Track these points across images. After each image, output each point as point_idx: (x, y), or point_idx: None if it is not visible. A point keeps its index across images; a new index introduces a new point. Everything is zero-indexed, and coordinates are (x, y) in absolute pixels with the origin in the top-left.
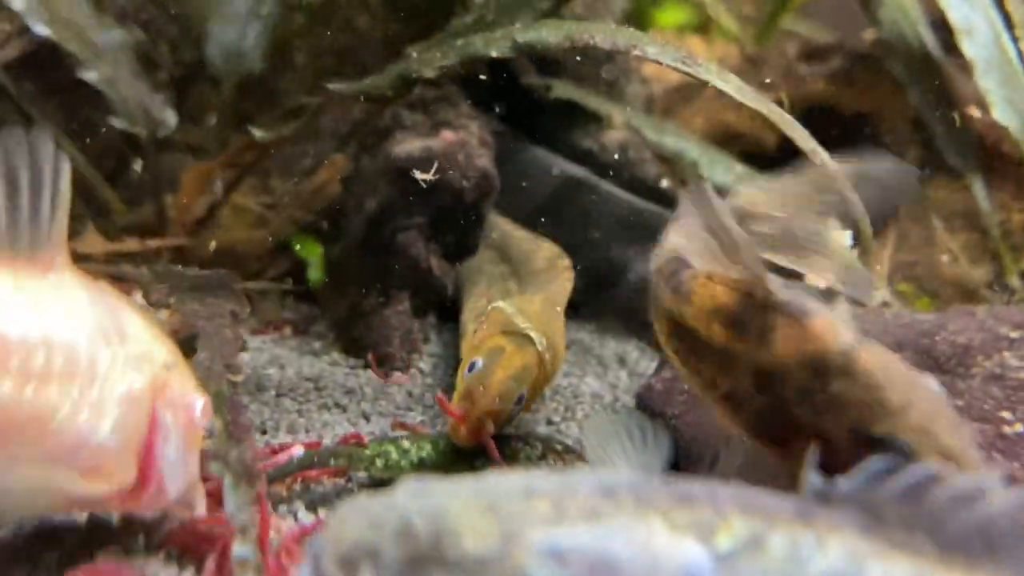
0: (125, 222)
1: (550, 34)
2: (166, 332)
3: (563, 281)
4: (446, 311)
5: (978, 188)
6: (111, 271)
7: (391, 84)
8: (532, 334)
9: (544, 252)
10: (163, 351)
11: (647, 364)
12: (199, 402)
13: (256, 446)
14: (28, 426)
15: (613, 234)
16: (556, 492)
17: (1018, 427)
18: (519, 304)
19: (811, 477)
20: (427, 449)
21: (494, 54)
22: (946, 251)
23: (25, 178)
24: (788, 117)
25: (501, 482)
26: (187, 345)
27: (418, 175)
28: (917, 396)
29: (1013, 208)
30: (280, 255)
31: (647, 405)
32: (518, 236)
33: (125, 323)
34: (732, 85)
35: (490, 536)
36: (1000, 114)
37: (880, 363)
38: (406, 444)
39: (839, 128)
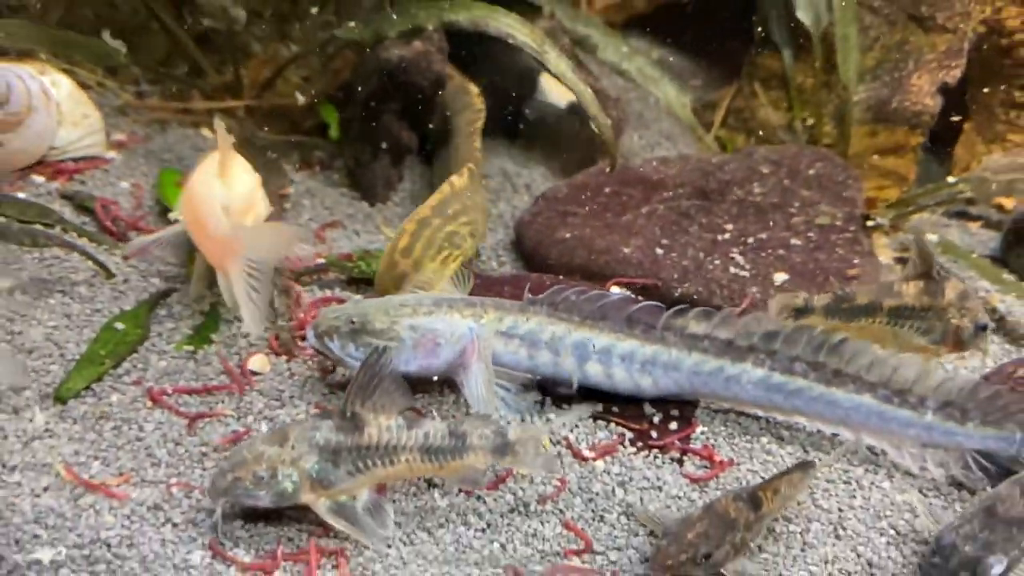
0: (216, 83)
1: None
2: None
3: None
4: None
5: (787, 58)
6: (208, 121)
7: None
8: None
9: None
10: None
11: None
12: None
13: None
14: None
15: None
16: (414, 302)
17: (730, 227)
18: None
19: (527, 295)
20: (373, 266)
21: None
22: (762, 103)
23: None
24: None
25: (393, 299)
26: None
27: None
28: None
29: (808, 74)
30: (316, 113)
31: (520, 235)
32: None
33: None
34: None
35: (385, 320)
36: (801, 13)
37: None
38: (369, 260)
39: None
